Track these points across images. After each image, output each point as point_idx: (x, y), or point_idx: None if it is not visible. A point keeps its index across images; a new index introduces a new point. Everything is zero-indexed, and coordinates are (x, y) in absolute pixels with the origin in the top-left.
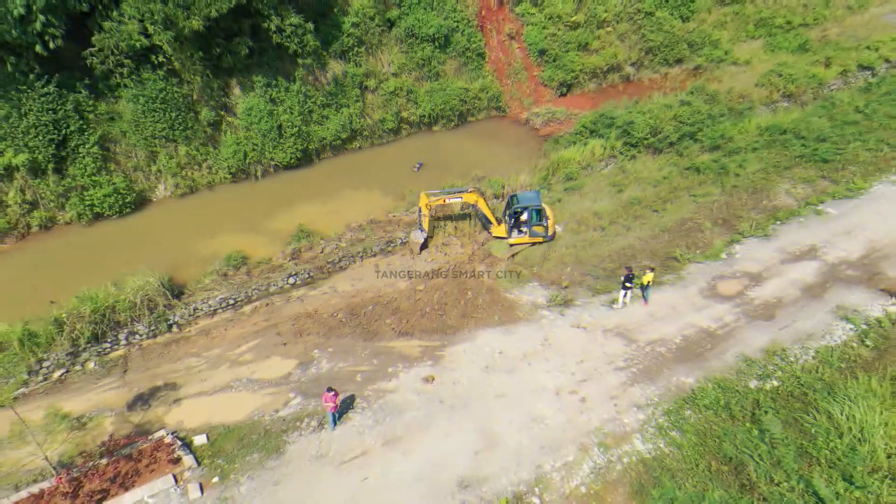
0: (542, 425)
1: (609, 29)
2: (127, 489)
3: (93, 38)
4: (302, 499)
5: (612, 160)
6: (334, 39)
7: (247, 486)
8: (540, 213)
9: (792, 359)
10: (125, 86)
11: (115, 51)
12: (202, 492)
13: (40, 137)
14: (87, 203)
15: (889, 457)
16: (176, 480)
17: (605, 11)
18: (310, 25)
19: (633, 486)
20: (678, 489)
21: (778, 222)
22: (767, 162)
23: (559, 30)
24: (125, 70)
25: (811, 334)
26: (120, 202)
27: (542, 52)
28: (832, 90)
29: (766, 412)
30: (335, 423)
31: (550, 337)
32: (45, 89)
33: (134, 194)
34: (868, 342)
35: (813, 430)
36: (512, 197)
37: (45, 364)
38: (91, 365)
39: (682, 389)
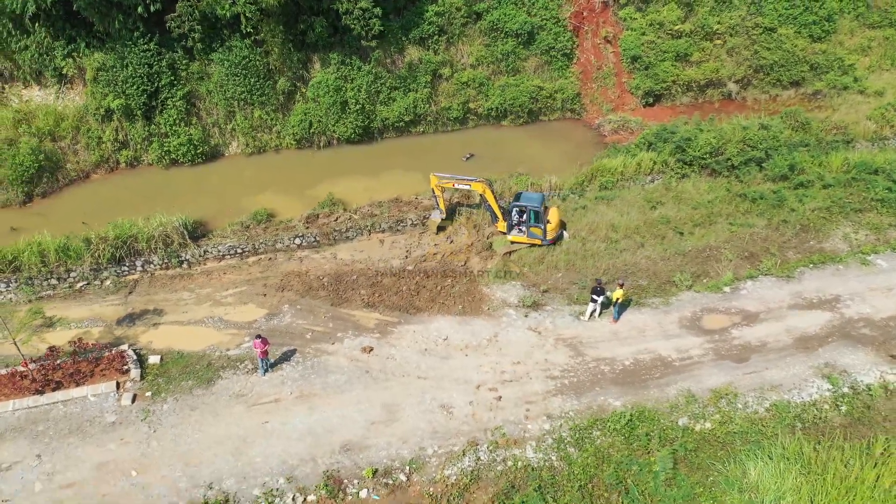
0: (446, 413)
1: (718, 41)
2: (78, 385)
3: (177, 5)
4: (206, 427)
5: (662, 176)
6: (415, 26)
7: (169, 405)
8: (538, 215)
9: (739, 406)
10: (198, 50)
11: (188, 18)
12: (133, 401)
13: (136, 87)
14: (165, 149)
15: None
16: (118, 387)
17: (719, 23)
18: (377, 10)
19: (501, 489)
20: (542, 502)
21: (811, 265)
22: (836, 200)
23: (658, 37)
24: (196, 35)
25: (777, 386)
26: (192, 152)
27: (635, 59)
28: None
29: (675, 450)
30: (265, 370)
31: (501, 335)
32: (146, 46)
33: (207, 147)
34: (843, 407)
35: (713, 479)
36: (518, 195)
37: (73, 274)
38: (108, 283)
39: (603, 410)
